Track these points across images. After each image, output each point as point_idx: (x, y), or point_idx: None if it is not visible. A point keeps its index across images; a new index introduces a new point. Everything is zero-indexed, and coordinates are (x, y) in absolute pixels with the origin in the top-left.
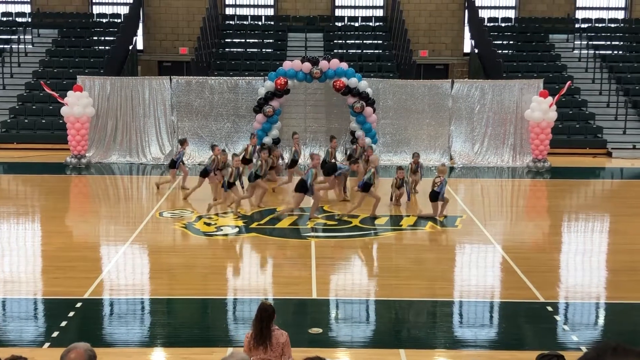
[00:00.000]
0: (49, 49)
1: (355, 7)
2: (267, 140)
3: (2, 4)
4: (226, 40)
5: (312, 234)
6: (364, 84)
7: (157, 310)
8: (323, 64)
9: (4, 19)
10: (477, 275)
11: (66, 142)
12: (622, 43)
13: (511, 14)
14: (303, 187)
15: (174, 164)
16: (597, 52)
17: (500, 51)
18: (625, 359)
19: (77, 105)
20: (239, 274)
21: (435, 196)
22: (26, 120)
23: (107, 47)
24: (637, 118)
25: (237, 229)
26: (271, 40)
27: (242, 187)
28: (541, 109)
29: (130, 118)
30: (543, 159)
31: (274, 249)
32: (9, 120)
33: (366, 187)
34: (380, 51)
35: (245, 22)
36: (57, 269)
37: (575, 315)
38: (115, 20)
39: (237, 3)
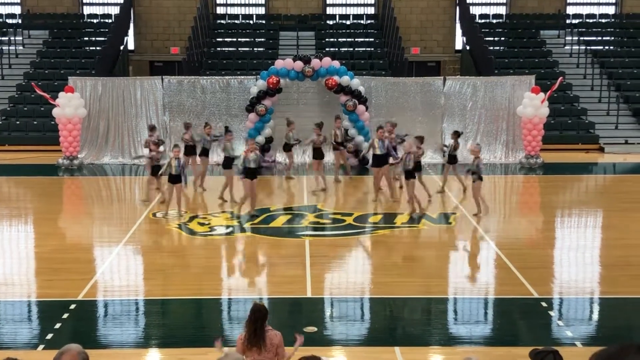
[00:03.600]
0: (39, 50)
1: (346, 5)
2: (260, 139)
3: None
4: (217, 39)
5: (306, 232)
6: (356, 82)
7: (152, 311)
8: (315, 62)
9: None
10: (472, 272)
11: (58, 143)
12: (613, 38)
13: (502, 10)
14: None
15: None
16: (588, 47)
17: (491, 48)
18: None
19: (68, 106)
20: (233, 273)
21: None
22: (18, 122)
23: (98, 48)
24: (628, 113)
25: (230, 229)
26: (263, 39)
27: (186, 184)
28: (533, 105)
29: (122, 118)
30: (536, 155)
31: (268, 248)
32: (0, 122)
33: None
34: (372, 49)
35: (236, 22)
36: (51, 271)
37: (570, 310)
38: (106, 20)
39: (228, 2)
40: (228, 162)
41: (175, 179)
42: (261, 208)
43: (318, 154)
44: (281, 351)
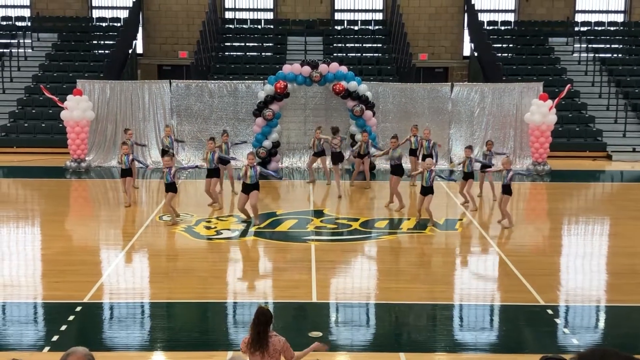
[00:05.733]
0: (48, 53)
1: (354, 11)
2: (267, 143)
3: (2, 8)
4: (226, 44)
5: (312, 237)
6: (363, 88)
7: (157, 314)
8: (323, 67)
9: (4, 23)
10: (477, 278)
11: (66, 146)
12: (621, 46)
13: (510, 17)
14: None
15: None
16: (596, 55)
17: (499, 54)
18: None
19: (76, 109)
20: (238, 277)
21: (504, 190)
22: (26, 124)
23: (106, 51)
24: (636, 121)
25: (237, 233)
26: (271, 44)
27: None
28: (541, 112)
29: (130, 122)
30: (543, 162)
31: (274, 253)
32: (8, 125)
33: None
34: (380, 54)
35: (244, 26)
36: (57, 273)
37: (576, 318)
38: (115, 24)
39: (237, 7)
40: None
41: (167, 188)
42: (267, 212)
43: (336, 158)
44: (289, 353)
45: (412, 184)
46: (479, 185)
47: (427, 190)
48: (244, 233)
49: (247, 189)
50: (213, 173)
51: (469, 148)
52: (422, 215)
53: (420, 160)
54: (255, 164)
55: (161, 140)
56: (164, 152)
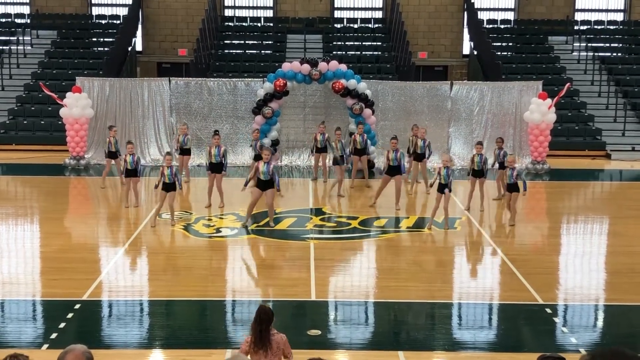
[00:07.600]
0: (48, 50)
1: (354, 9)
2: (266, 141)
3: (1, 5)
4: (225, 41)
5: (311, 235)
6: (363, 86)
7: (156, 312)
8: (322, 65)
9: (3, 20)
10: (476, 277)
11: (65, 143)
12: (621, 45)
13: (510, 16)
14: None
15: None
16: (596, 54)
17: (499, 53)
18: None
19: (76, 106)
20: (238, 275)
21: (512, 188)
22: (25, 122)
23: (106, 49)
24: (636, 120)
25: (236, 231)
26: (270, 42)
27: (180, 188)
28: (540, 110)
29: (129, 119)
30: (542, 160)
31: (273, 251)
32: (7, 122)
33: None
34: (380, 53)
35: (244, 24)
36: (56, 271)
37: (574, 317)
38: (114, 21)
39: (236, 4)
40: (214, 167)
41: (168, 187)
42: (266, 210)
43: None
44: (288, 351)
45: (430, 184)
46: (497, 188)
47: (445, 187)
48: (243, 231)
49: (261, 185)
50: (217, 168)
51: (480, 144)
52: (434, 216)
53: (413, 160)
54: (269, 160)
55: (175, 138)
56: (182, 151)
